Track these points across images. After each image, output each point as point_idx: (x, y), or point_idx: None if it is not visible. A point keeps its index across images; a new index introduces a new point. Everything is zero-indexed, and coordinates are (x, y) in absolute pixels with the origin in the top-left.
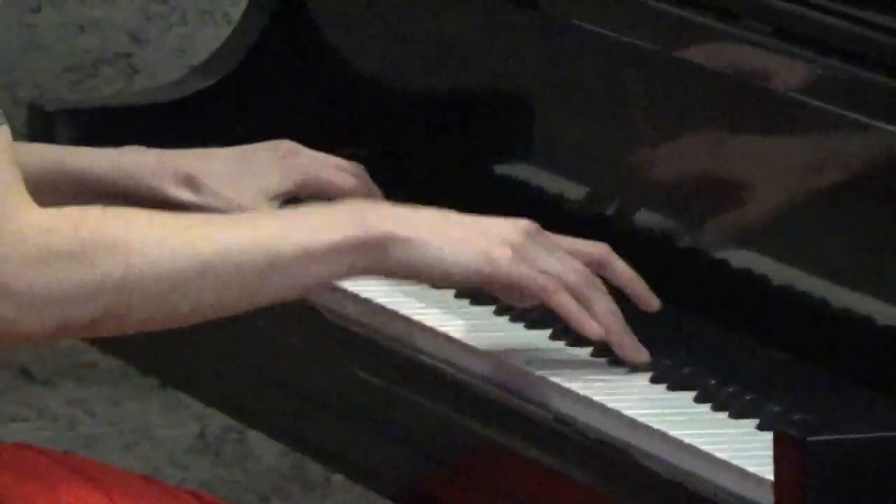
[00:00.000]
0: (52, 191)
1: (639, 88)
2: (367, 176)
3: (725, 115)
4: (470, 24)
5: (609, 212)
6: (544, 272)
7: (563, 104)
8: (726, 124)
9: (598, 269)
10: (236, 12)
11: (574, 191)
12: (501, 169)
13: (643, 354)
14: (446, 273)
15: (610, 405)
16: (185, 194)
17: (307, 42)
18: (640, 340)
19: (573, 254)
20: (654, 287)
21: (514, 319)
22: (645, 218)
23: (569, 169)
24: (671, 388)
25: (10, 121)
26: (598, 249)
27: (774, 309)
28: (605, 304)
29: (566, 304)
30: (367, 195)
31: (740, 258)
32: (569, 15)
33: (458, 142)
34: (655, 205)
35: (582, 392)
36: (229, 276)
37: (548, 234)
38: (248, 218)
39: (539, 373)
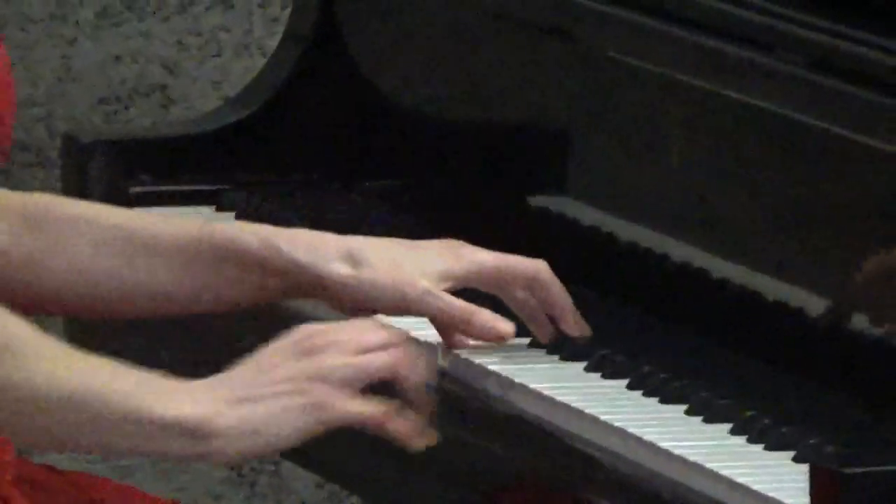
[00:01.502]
0: (195, 259)
1: (675, 120)
2: (536, 263)
3: (761, 147)
4: (506, 55)
5: (645, 243)
6: (349, 385)
7: (599, 136)
8: (763, 155)
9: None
10: (271, 44)
11: (609, 222)
12: (537, 201)
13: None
14: (276, 447)
15: (647, 436)
16: (344, 269)
17: (342, 73)
18: (679, 371)
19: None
20: (693, 318)
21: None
22: (679, 249)
23: (604, 201)
24: (707, 420)
25: (45, 151)
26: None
27: (812, 341)
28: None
29: (393, 428)
30: (538, 282)
31: (776, 289)
32: (605, 47)
33: (493, 174)
34: (690, 236)
35: (615, 423)
36: (69, 416)
37: (327, 332)
38: (114, 368)
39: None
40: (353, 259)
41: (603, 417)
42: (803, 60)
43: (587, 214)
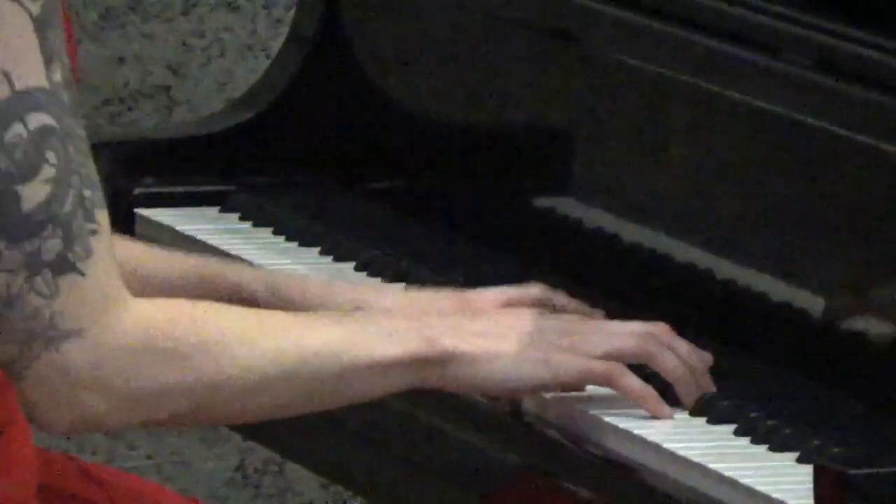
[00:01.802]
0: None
1: (679, 122)
2: (545, 290)
3: (767, 148)
4: (510, 56)
5: (648, 244)
6: (601, 356)
7: (603, 138)
8: (767, 157)
9: (650, 355)
10: (275, 45)
11: (614, 224)
12: (541, 202)
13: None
14: (506, 387)
15: (650, 438)
16: None
17: (346, 75)
18: None
19: (628, 334)
20: (697, 319)
21: None
22: (684, 252)
23: (609, 202)
24: (711, 420)
25: None
26: (654, 328)
27: (816, 341)
28: (672, 360)
29: (634, 389)
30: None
31: (779, 291)
32: (610, 49)
33: (497, 175)
34: (695, 238)
35: (621, 425)
36: (308, 381)
37: (594, 323)
38: (326, 321)
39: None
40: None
41: (606, 419)
42: (808, 62)
43: (591, 216)
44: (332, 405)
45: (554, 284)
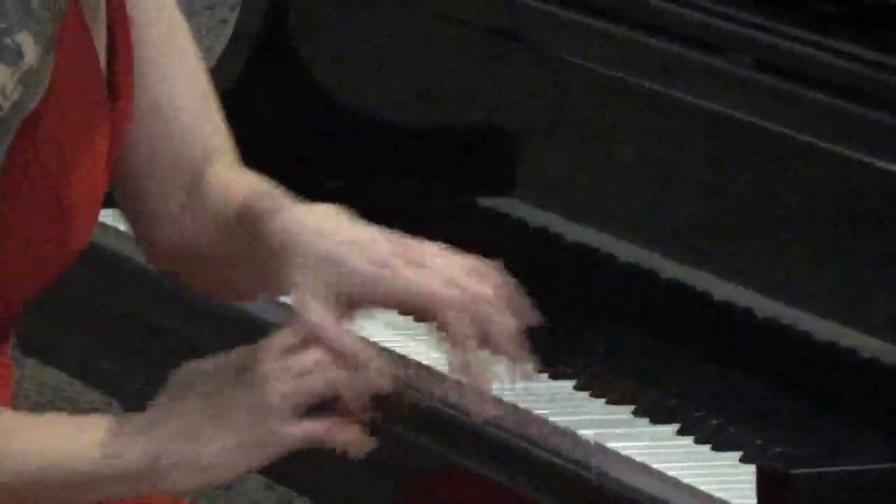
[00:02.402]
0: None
1: (625, 123)
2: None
3: (711, 148)
4: (456, 57)
5: (595, 246)
6: (301, 406)
7: (548, 137)
8: (712, 157)
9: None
10: (218, 46)
11: (559, 224)
12: (486, 202)
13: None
14: (217, 482)
15: (594, 438)
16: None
17: (291, 76)
18: (626, 372)
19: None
20: (641, 318)
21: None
22: (627, 250)
23: (556, 203)
24: (655, 421)
25: None
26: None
27: (757, 341)
28: (341, 377)
29: (341, 439)
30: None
31: (723, 290)
32: (556, 50)
33: (442, 175)
34: (639, 238)
35: (562, 424)
36: (28, 491)
37: (268, 356)
38: (51, 431)
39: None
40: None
41: (551, 419)
42: (751, 62)
43: (535, 216)
44: None
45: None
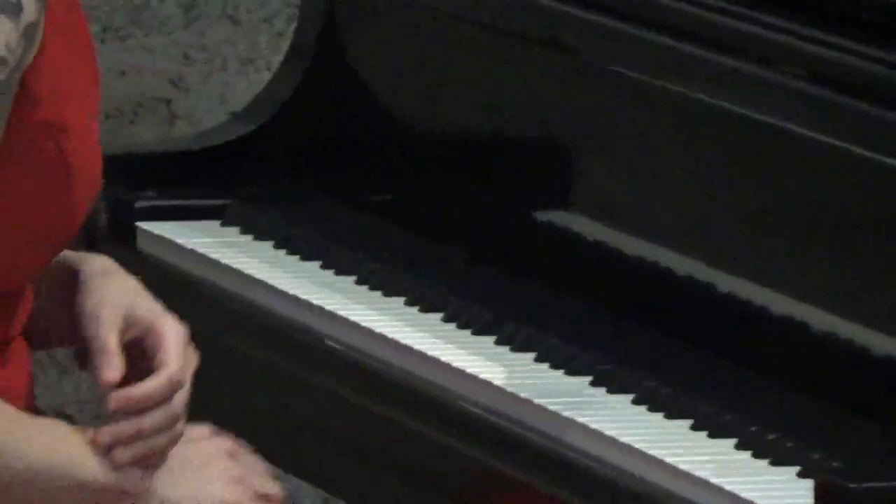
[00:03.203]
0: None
1: (676, 134)
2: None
3: (762, 160)
4: (508, 69)
5: (649, 257)
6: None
7: (599, 149)
8: (761, 168)
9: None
10: (276, 59)
11: (610, 236)
12: (538, 215)
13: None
14: None
15: (650, 451)
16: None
17: (346, 89)
18: (685, 389)
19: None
20: (698, 333)
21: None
22: (681, 263)
23: (612, 216)
24: (712, 435)
25: None
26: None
27: (818, 356)
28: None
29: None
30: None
31: (780, 304)
32: (607, 61)
33: (495, 187)
34: (695, 251)
35: (622, 439)
36: (19, 495)
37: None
38: (42, 438)
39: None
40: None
41: (608, 433)
42: (802, 73)
43: (589, 228)
44: None
45: (547, 296)
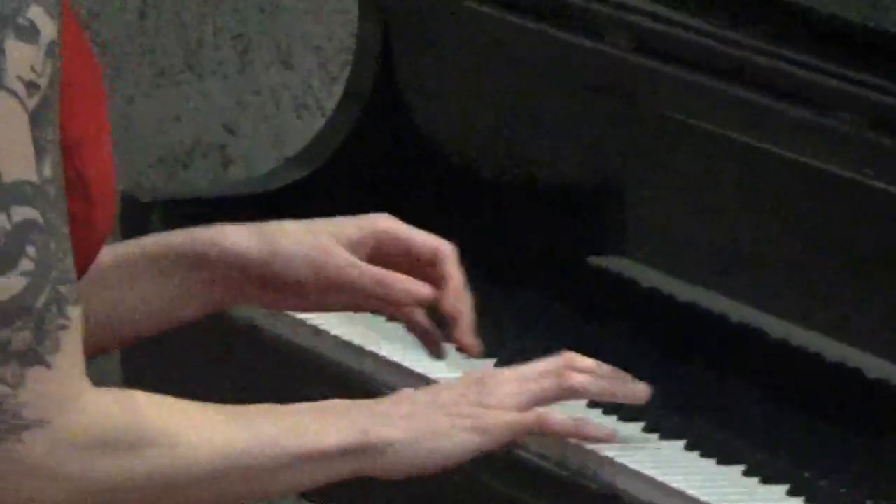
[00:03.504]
0: (171, 271)
1: (732, 180)
2: (449, 246)
3: (822, 208)
4: (564, 115)
5: (706, 305)
6: (525, 407)
7: (661, 198)
8: (822, 216)
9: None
10: (331, 103)
11: (671, 284)
12: (594, 260)
13: (642, 392)
14: (445, 463)
15: (704, 498)
16: (255, 244)
17: (401, 133)
18: (737, 434)
19: (543, 374)
20: (752, 379)
21: None
22: (740, 311)
23: (667, 262)
24: (764, 480)
25: None
26: (562, 361)
27: (871, 402)
28: (589, 381)
29: (568, 426)
30: (440, 255)
31: (840, 352)
32: (663, 107)
33: (551, 232)
34: (750, 296)
35: (673, 484)
36: (255, 472)
37: (506, 374)
38: (267, 414)
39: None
40: (264, 235)
41: (660, 479)
42: (860, 120)
43: (644, 273)
44: (274, 494)
45: (606, 341)
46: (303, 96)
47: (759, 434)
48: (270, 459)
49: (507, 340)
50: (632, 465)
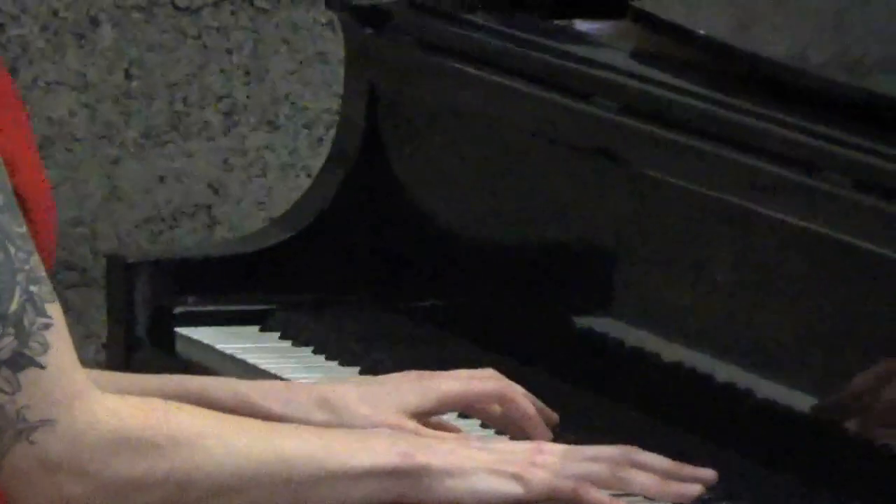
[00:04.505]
0: None
1: (719, 241)
2: (500, 377)
3: (809, 270)
4: (548, 175)
5: (691, 365)
6: (571, 476)
7: (644, 257)
8: (807, 277)
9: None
10: (316, 165)
11: (655, 344)
12: (581, 321)
13: (705, 478)
14: (480, 500)
15: None
16: (321, 416)
17: (386, 195)
18: (722, 495)
19: (596, 457)
20: (737, 439)
21: None
22: (727, 371)
23: (652, 322)
24: None
25: (91, 272)
26: (620, 451)
27: (857, 462)
28: (641, 479)
29: (597, 498)
30: (505, 398)
31: (827, 415)
32: (648, 167)
33: (536, 294)
34: (737, 358)
35: None
36: (279, 483)
37: (562, 446)
38: (300, 429)
39: None
40: (329, 405)
41: None
42: (847, 181)
43: (631, 335)
44: None
45: (596, 405)
46: (288, 158)
47: (748, 494)
48: (303, 473)
49: None
50: None
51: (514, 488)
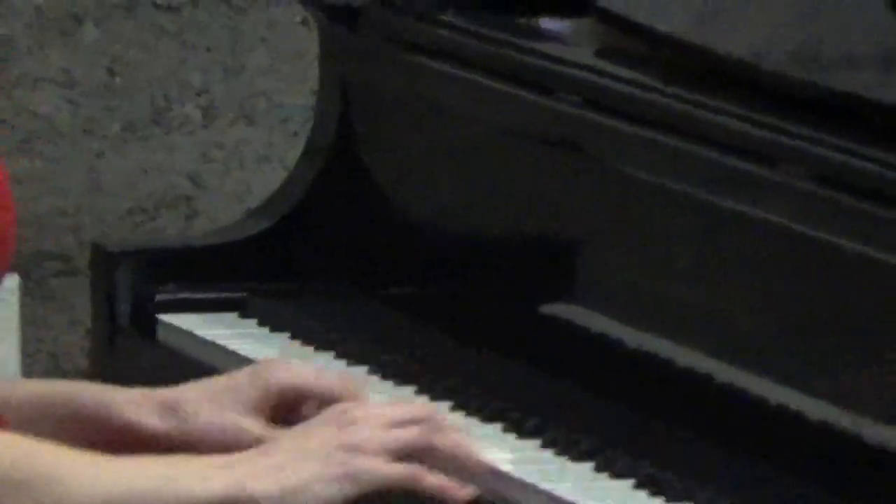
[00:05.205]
0: (39, 420)
1: (683, 234)
2: (349, 377)
3: (769, 259)
4: (517, 168)
5: (655, 353)
6: (392, 453)
7: (609, 247)
8: (770, 268)
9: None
10: (292, 157)
11: (620, 331)
12: (547, 309)
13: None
14: None
15: None
16: (168, 422)
17: (359, 186)
18: (686, 475)
19: (399, 422)
20: (702, 424)
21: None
22: (692, 359)
23: (617, 310)
24: (669, 500)
25: (75, 261)
26: (420, 411)
27: (833, 453)
28: (450, 440)
29: (436, 485)
30: (347, 395)
31: (783, 395)
32: (615, 162)
33: (505, 282)
34: (701, 346)
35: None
36: None
37: (360, 407)
38: (139, 462)
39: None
40: (171, 411)
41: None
42: (809, 174)
43: (597, 323)
44: None
45: (561, 391)
46: (265, 151)
47: (707, 473)
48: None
49: (460, 385)
50: None
51: (347, 490)
